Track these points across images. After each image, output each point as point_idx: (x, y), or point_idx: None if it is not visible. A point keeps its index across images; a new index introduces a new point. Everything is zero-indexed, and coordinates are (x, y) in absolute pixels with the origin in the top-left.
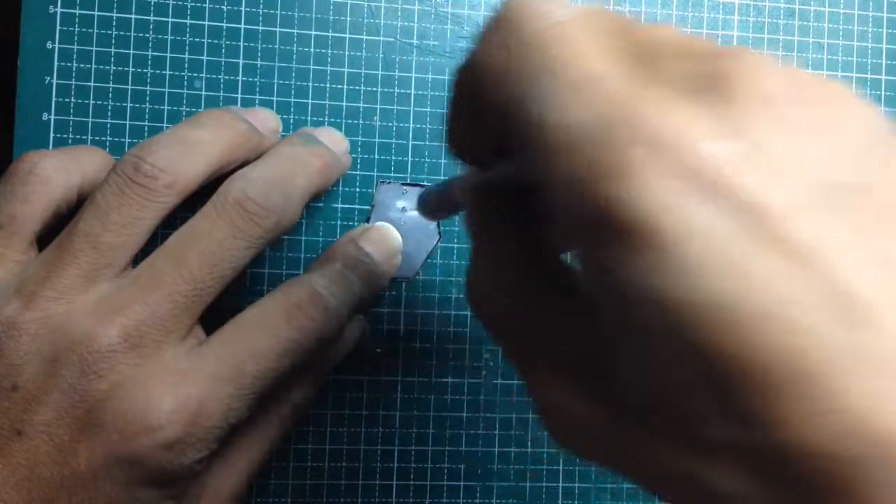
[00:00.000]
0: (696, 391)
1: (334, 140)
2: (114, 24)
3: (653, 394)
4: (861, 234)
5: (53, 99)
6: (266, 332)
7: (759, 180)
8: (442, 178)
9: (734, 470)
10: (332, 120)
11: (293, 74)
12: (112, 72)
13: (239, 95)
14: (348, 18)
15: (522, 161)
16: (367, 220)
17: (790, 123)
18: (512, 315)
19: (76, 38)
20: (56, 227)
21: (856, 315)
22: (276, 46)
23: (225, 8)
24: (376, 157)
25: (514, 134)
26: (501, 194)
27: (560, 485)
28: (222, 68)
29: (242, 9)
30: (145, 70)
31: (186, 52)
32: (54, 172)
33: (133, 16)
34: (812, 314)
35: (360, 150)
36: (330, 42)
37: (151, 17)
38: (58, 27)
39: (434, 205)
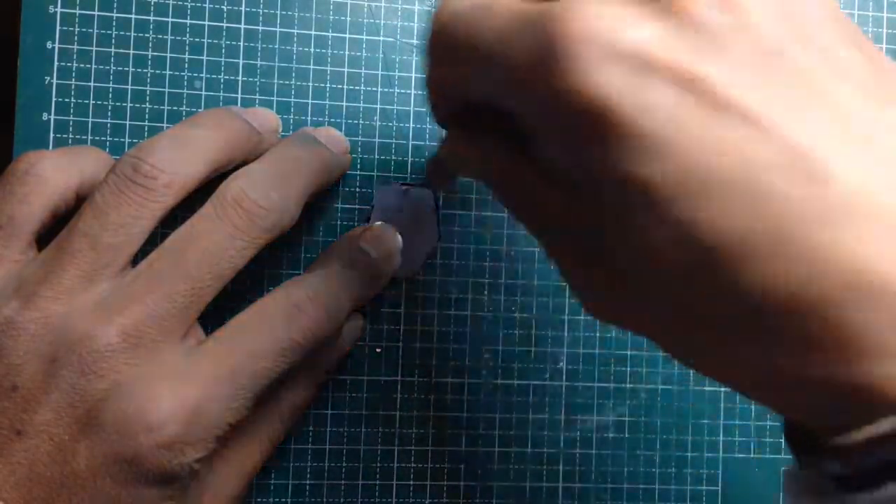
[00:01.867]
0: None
1: (334, 140)
2: (114, 24)
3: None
4: (805, 94)
5: (53, 99)
6: (265, 331)
7: (693, 54)
8: None
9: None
10: (332, 120)
11: (293, 74)
12: (112, 72)
13: (239, 95)
14: (348, 18)
15: (490, 88)
16: (367, 220)
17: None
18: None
19: (76, 38)
20: (55, 228)
21: (814, 171)
22: (276, 46)
23: (225, 8)
24: (376, 157)
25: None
26: (480, 119)
27: (560, 485)
28: (222, 68)
29: (242, 9)
30: (145, 70)
31: (186, 52)
32: (52, 173)
33: (133, 16)
34: (775, 174)
35: (360, 150)
36: (330, 42)
37: (151, 17)
38: (58, 27)
39: (432, 171)
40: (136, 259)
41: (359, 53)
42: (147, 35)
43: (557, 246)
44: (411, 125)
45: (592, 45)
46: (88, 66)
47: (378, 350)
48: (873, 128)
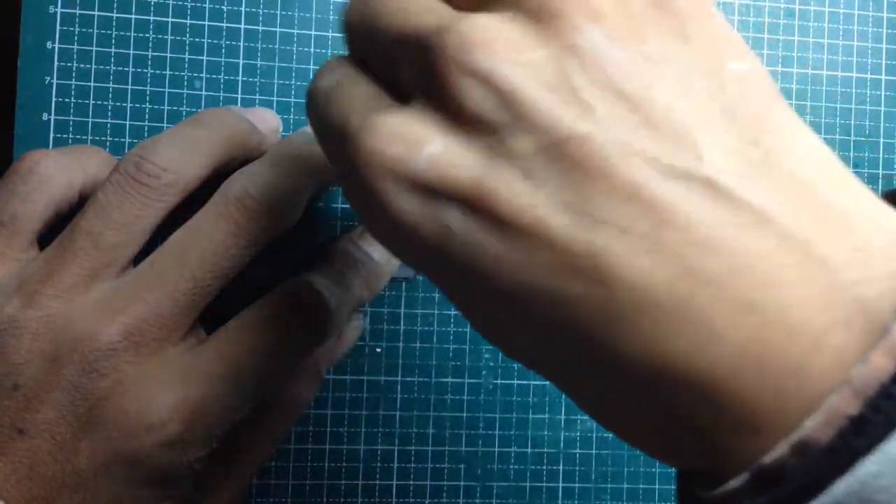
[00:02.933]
0: None
1: None
2: (114, 24)
3: None
4: (589, 189)
5: (53, 99)
6: (266, 331)
7: (479, 167)
8: None
9: None
10: None
11: (293, 74)
12: (112, 72)
13: (239, 95)
14: None
15: None
16: None
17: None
18: None
19: (76, 38)
20: (57, 227)
21: (599, 273)
22: (276, 46)
23: (225, 8)
24: None
25: None
26: None
27: (560, 485)
28: (222, 68)
29: (242, 9)
30: (145, 70)
31: (186, 52)
32: (56, 172)
33: (133, 16)
34: (564, 281)
35: None
36: (330, 42)
37: (151, 17)
38: (58, 27)
39: None
40: (137, 258)
41: None
42: (147, 35)
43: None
44: None
45: (388, 179)
46: (88, 66)
47: (378, 350)
48: (660, 216)
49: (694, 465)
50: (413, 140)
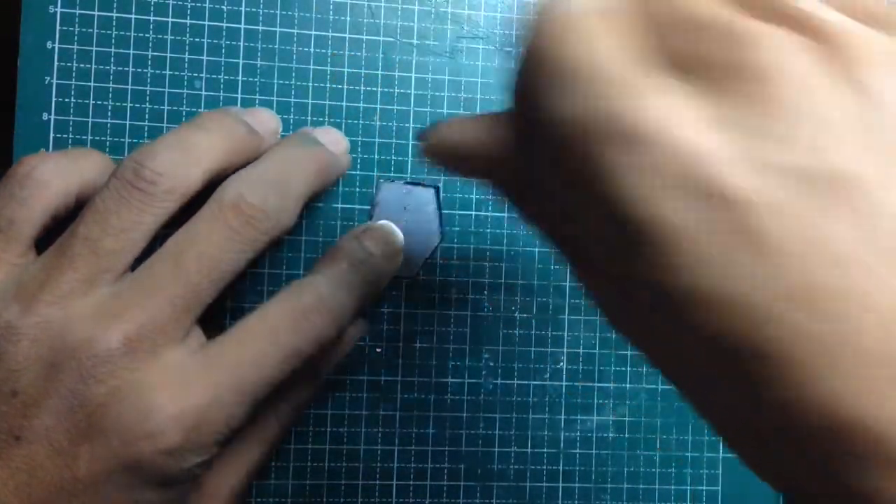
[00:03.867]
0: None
1: (334, 140)
2: (114, 24)
3: None
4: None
5: (53, 99)
6: (270, 338)
7: (740, 176)
8: (441, 178)
9: None
10: (332, 120)
11: (293, 74)
12: (112, 72)
13: (239, 95)
14: (348, 18)
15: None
16: (370, 219)
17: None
18: None
19: (76, 38)
20: (55, 231)
21: (821, 306)
22: (276, 46)
23: (225, 8)
24: (376, 157)
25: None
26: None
27: (560, 485)
28: (222, 68)
29: (242, 9)
30: (145, 70)
31: (186, 52)
32: (53, 176)
33: (133, 16)
34: (778, 305)
35: (360, 150)
36: (330, 42)
37: (151, 17)
38: (58, 27)
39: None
40: (136, 262)
41: (359, 53)
42: (147, 35)
43: (584, 264)
44: (411, 125)
45: (635, 153)
46: (88, 66)
47: (378, 350)
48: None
49: (818, 497)
50: (698, 126)
